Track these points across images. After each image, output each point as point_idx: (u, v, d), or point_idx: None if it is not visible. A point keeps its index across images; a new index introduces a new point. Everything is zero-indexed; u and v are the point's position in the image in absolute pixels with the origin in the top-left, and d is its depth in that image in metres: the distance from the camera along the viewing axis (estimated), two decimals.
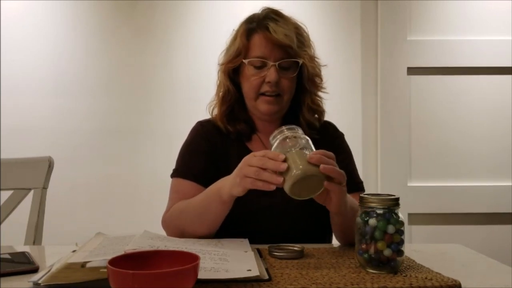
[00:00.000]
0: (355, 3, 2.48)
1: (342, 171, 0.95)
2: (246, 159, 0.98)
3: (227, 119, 1.30)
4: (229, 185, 1.02)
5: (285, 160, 0.91)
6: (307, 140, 0.98)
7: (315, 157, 0.91)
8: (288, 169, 0.90)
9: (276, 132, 1.00)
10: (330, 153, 0.95)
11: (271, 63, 1.20)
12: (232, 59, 1.25)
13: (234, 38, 1.27)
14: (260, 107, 1.24)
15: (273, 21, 1.22)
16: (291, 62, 1.22)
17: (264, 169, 0.93)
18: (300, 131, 1.00)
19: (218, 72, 1.31)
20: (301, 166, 0.89)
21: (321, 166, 0.90)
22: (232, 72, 1.27)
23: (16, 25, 2.41)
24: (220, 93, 1.31)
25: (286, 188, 0.91)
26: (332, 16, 2.47)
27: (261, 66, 1.22)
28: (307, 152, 0.93)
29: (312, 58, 1.28)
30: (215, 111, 1.33)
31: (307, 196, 0.93)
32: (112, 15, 2.45)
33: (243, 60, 1.23)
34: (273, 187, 0.93)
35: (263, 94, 1.23)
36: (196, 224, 1.11)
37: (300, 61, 1.23)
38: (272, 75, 1.20)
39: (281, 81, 1.21)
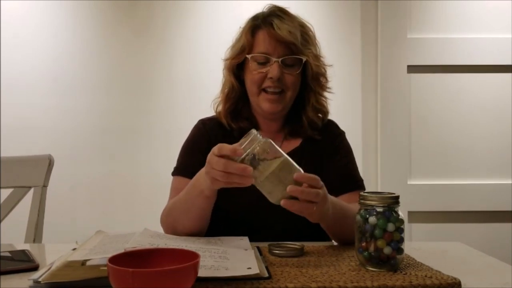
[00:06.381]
0: (355, 2, 2.48)
1: (314, 191, 0.90)
2: (208, 159, 0.95)
3: (231, 116, 1.30)
4: (205, 182, 1.00)
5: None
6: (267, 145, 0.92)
7: (296, 192, 0.89)
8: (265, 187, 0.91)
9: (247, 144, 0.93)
10: (311, 178, 0.91)
11: (274, 59, 1.20)
12: (236, 55, 1.26)
13: (240, 35, 1.28)
14: (262, 105, 1.24)
15: (278, 18, 1.22)
16: (294, 59, 1.22)
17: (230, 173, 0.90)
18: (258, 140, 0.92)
19: (223, 69, 1.32)
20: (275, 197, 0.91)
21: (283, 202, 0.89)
22: (236, 68, 1.28)
23: (16, 25, 2.41)
24: (225, 90, 1.31)
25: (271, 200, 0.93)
26: (332, 15, 2.47)
27: (264, 62, 1.22)
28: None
29: (317, 56, 1.27)
30: (219, 108, 1.33)
31: None
32: (112, 14, 2.45)
33: (247, 56, 1.23)
34: (248, 184, 0.91)
35: (265, 90, 1.23)
36: (184, 220, 1.11)
37: (304, 59, 1.22)
38: (274, 71, 1.20)
39: (284, 77, 1.22)
